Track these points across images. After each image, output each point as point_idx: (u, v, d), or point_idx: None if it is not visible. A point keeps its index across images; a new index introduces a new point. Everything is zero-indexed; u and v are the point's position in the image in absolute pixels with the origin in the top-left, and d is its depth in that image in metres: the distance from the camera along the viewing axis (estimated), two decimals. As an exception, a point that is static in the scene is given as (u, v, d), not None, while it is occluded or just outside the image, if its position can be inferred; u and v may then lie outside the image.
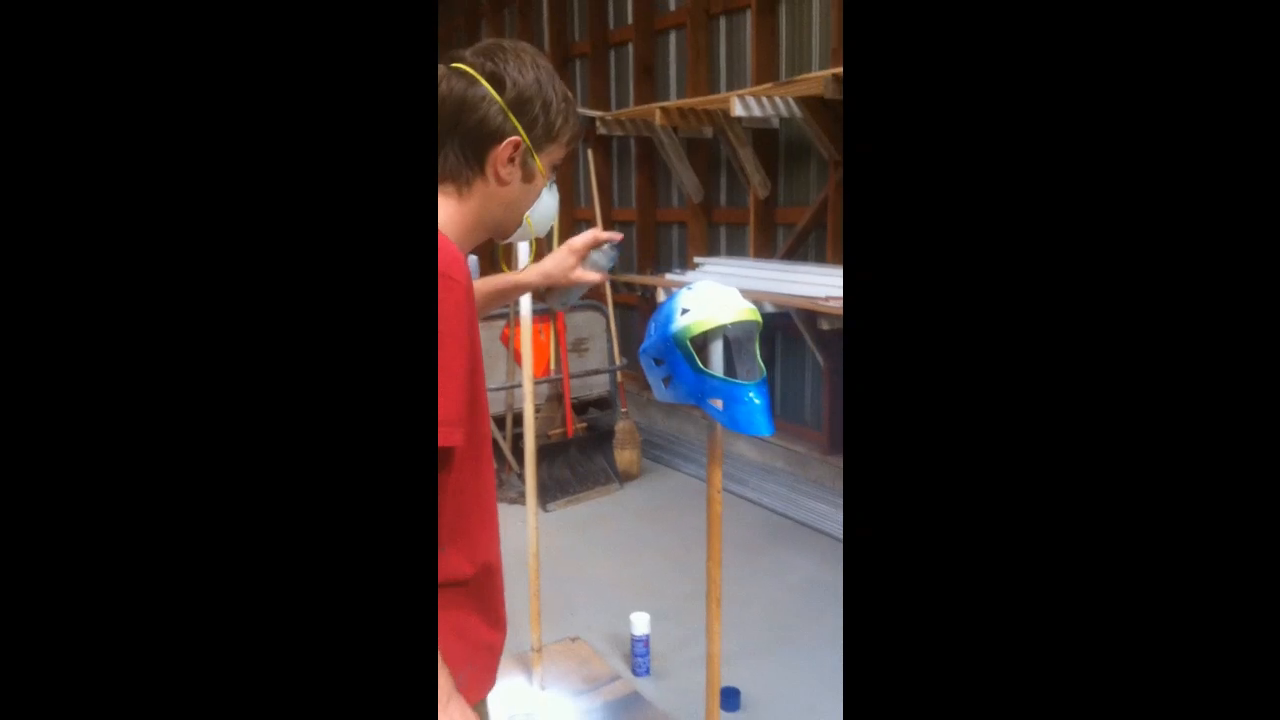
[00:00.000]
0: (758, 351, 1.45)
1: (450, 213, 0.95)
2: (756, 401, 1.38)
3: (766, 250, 3.83)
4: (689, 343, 1.38)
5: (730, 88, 3.91)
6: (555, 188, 1.08)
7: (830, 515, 3.28)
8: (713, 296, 1.40)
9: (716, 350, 1.43)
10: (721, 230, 4.26)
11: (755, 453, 3.91)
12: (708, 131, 3.98)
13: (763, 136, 3.75)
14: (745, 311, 1.41)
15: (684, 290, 1.45)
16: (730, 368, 1.48)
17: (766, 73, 3.66)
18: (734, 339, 1.47)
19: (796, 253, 3.69)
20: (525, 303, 2.20)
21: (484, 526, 1.00)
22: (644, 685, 2.32)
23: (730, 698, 2.20)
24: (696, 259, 4.02)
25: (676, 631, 2.52)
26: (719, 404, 1.39)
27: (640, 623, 2.37)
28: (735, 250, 4.14)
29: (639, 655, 2.37)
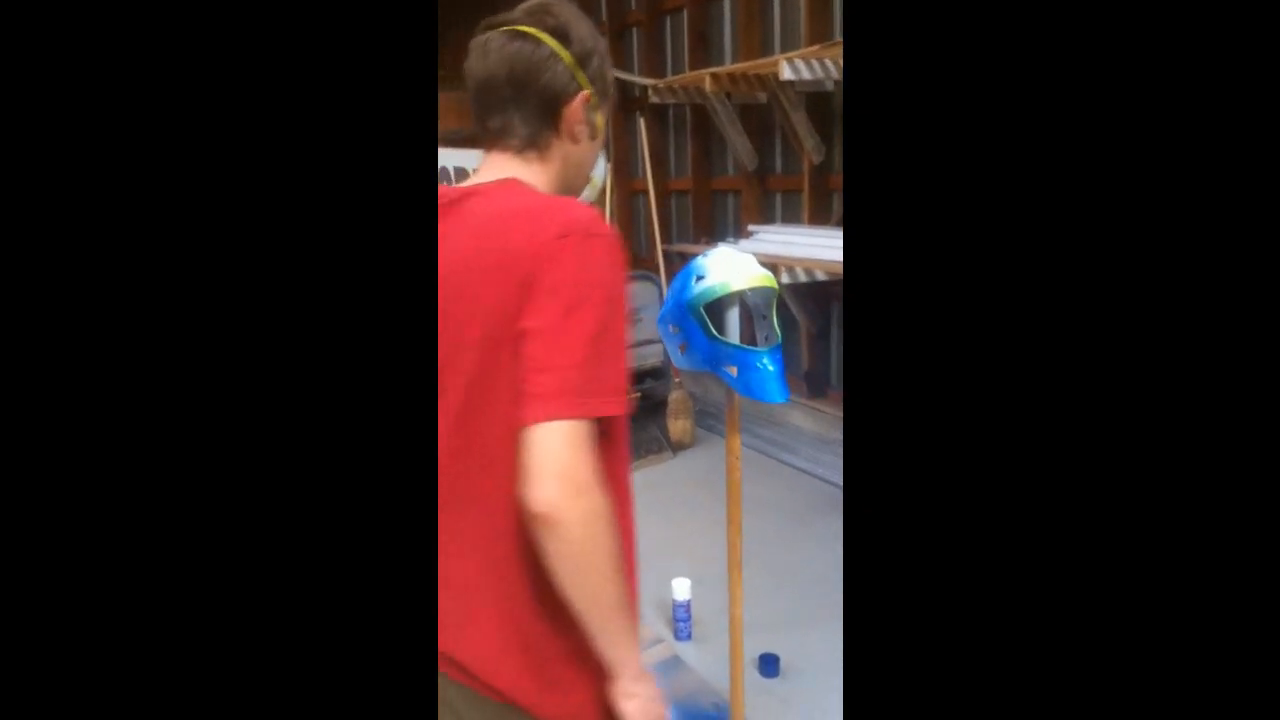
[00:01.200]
0: (774, 318, 1.45)
1: (538, 179, 0.94)
2: (769, 368, 1.38)
3: (821, 217, 3.76)
4: (703, 309, 1.39)
5: (784, 50, 3.83)
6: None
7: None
8: (728, 263, 1.40)
9: (732, 317, 1.43)
10: (777, 197, 4.19)
11: (810, 422, 3.87)
12: (761, 97, 3.91)
13: (816, 100, 3.67)
14: (760, 278, 1.41)
15: (700, 257, 1.45)
16: (750, 335, 1.48)
17: (820, 34, 3.56)
18: (753, 305, 1.47)
19: (850, 219, 3.61)
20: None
21: (630, 496, 1.01)
22: (685, 649, 2.36)
23: (769, 664, 2.22)
24: (750, 227, 3.98)
25: (719, 598, 2.53)
26: (733, 370, 1.40)
27: (681, 589, 2.40)
28: (790, 217, 4.08)
29: (680, 620, 2.40)
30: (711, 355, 1.41)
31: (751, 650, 2.27)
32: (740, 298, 1.42)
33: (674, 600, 2.41)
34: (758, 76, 3.70)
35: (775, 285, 1.42)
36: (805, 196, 3.79)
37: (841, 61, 3.13)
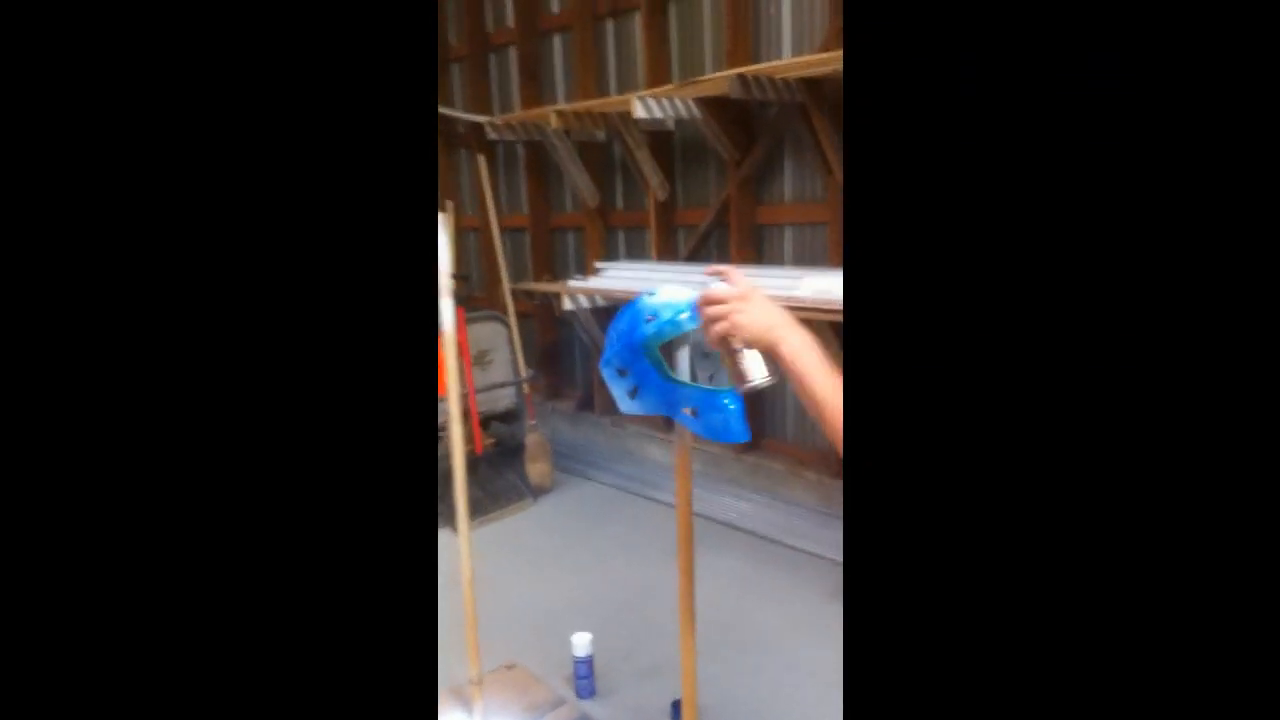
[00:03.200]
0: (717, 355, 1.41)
1: None
2: (731, 407, 1.33)
3: (668, 252, 3.82)
4: (658, 350, 1.32)
5: (621, 90, 3.87)
6: None
7: (750, 514, 3.29)
8: (679, 300, 1.35)
9: (684, 357, 1.38)
10: (619, 234, 4.21)
11: (665, 455, 3.88)
12: (600, 135, 3.92)
13: (658, 139, 3.73)
14: (711, 315, 1.36)
15: (645, 296, 1.38)
16: (691, 373, 1.43)
17: (660, 75, 3.64)
18: (695, 344, 1.42)
19: (699, 253, 3.69)
20: (447, 315, 2.08)
21: None
22: (590, 708, 2.23)
23: (678, 711, 2.15)
24: (596, 264, 3.96)
25: (616, 645, 2.45)
26: (692, 412, 1.34)
27: (581, 644, 2.28)
28: (635, 253, 4.10)
29: (582, 678, 2.28)
30: (668, 398, 1.34)
31: (661, 699, 2.20)
32: (690, 336, 1.37)
33: (574, 657, 2.28)
34: (602, 114, 3.71)
35: (724, 322, 1.38)
36: (652, 232, 3.83)
37: (691, 101, 3.21)
